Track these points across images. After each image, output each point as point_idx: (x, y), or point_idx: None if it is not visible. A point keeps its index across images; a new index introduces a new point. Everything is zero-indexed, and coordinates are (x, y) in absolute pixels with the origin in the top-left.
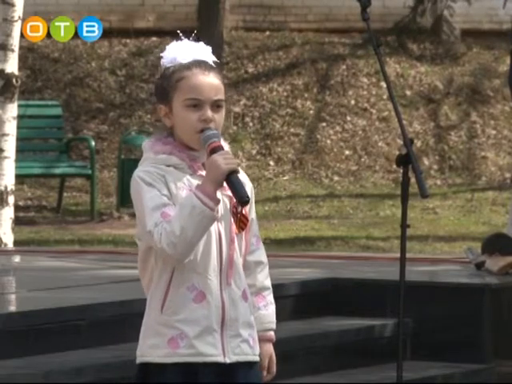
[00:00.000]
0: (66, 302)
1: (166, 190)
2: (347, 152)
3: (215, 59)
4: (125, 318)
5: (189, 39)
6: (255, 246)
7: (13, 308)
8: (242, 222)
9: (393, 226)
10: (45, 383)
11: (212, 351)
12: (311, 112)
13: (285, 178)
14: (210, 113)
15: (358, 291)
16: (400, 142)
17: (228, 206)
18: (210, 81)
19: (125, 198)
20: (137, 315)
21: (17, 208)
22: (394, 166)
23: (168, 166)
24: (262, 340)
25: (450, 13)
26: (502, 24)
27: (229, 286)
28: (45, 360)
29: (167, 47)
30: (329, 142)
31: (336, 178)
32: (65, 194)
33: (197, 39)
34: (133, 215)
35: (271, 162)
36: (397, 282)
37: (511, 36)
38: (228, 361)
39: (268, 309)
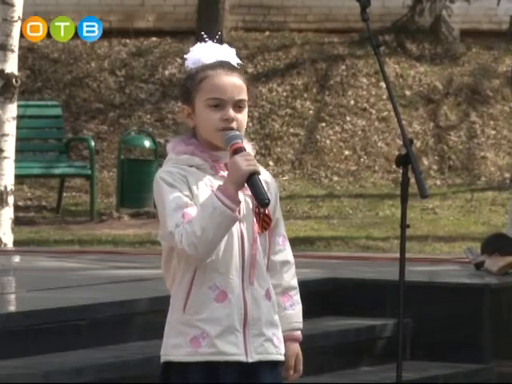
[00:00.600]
0: (66, 302)
1: (187, 191)
2: (347, 152)
3: (239, 61)
4: (125, 318)
5: (213, 41)
6: (281, 246)
7: (12, 308)
8: (264, 222)
9: (392, 226)
10: (45, 383)
11: (234, 350)
12: (311, 112)
13: (284, 178)
14: (232, 112)
15: (357, 291)
16: (399, 142)
17: (250, 206)
18: (233, 81)
19: (124, 198)
20: (137, 315)
21: (16, 208)
22: (394, 166)
23: (190, 166)
24: (289, 339)
25: (448, 13)
26: (501, 24)
27: (251, 286)
28: (45, 360)
29: (191, 49)
30: (328, 142)
31: (335, 178)
32: (64, 194)
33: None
34: (132, 215)
35: (271, 162)
36: (396, 282)
37: (510, 36)
38: (250, 360)
39: (295, 308)
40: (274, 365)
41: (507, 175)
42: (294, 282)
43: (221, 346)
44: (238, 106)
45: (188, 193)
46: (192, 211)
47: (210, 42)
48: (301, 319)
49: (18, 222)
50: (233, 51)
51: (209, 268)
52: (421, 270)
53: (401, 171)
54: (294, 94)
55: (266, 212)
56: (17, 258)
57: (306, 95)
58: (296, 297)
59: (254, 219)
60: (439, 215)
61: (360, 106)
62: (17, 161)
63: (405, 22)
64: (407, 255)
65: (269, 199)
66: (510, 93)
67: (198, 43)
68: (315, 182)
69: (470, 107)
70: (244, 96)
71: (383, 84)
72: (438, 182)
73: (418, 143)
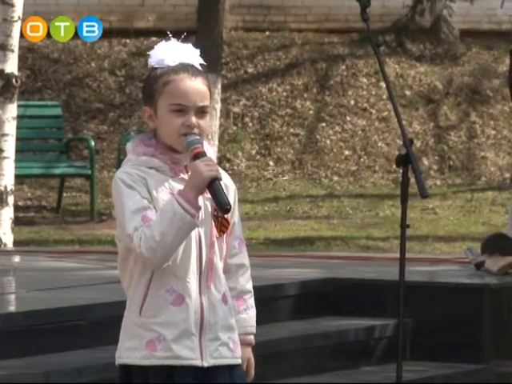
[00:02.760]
0: (66, 302)
1: (146, 193)
2: (347, 152)
3: (203, 62)
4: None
5: (179, 40)
6: (237, 249)
7: (12, 308)
8: (223, 226)
9: (392, 226)
10: (45, 383)
11: (189, 355)
12: (311, 112)
13: (284, 178)
14: (194, 119)
15: (357, 291)
16: (400, 142)
17: (209, 210)
18: (197, 87)
19: None
20: None
21: (16, 208)
22: (394, 166)
23: (150, 168)
24: (242, 344)
25: (448, 13)
26: (501, 24)
27: (208, 290)
28: (45, 360)
29: (155, 46)
30: (328, 142)
31: (335, 178)
32: (64, 194)
33: (190, 41)
34: None
35: (271, 162)
36: (396, 282)
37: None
38: (206, 364)
39: (248, 312)
40: (231, 368)
41: (507, 175)
42: (249, 286)
43: (177, 349)
44: (200, 111)
45: (147, 195)
46: (151, 214)
47: (174, 41)
48: (254, 323)
49: (18, 222)
50: (197, 52)
51: (166, 271)
52: (421, 270)
53: (401, 171)
54: (293, 94)
55: (225, 216)
56: (17, 258)
57: (306, 95)
58: (250, 301)
59: (213, 223)
60: (439, 215)
61: (360, 106)
62: (17, 161)
63: (405, 22)
64: (407, 255)
65: (230, 205)
66: (509, 93)
67: (163, 41)
68: (315, 182)
69: (470, 107)
70: (207, 102)
71: (383, 84)
72: (438, 182)
73: (418, 143)
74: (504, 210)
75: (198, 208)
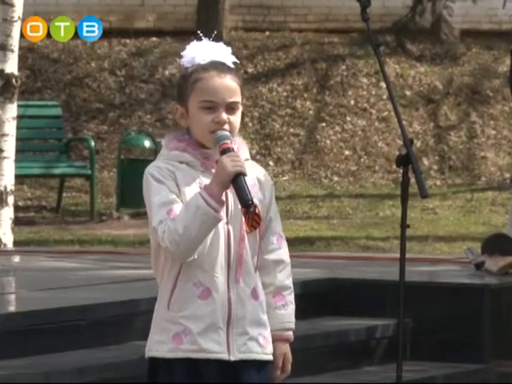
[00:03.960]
0: (66, 302)
1: (175, 187)
2: (347, 152)
3: (235, 59)
4: (125, 318)
5: (209, 39)
6: (276, 245)
7: (12, 308)
8: (254, 221)
9: (392, 226)
10: (45, 383)
11: (216, 348)
12: (311, 112)
13: (284, 179)
14: (224, 115)
15: (357, 291)
16: (400, 142)
17: (239, 205)
18: (226, 83)
19: (124, 199)
20: (137, 315)
21: (16, 208)
22: (394, 167)
23: (180, 162)
24: (279, 339)
25: (449, 13)
26: (501, 24)
27: (237, 284)
28: (45, 360)
29: (187, 47)
30: (328, 142)
31: (336, 178)
32: (64, 195)
33: (217, 39)
34: (132, 215)
35: (271, 163)
36: (397, 282)
37: None
38: (232, 358)
39: (287, 308)
40: (260, 364)
41: (507, 175)
42: (289, 282)
43: (203, 343)
44: (230, 107)
45: (175, 189)
46: (178, 208)
47: (205, 41)
48: (293, 319)
49: (18, 221)
50: (228, 50)
51: (193, 265)
52: (421, 270)
53: (401, 171)
54: (294, 94)
55: (257, 211)
56: (17, 258)
57: (306, 95)
58: (289, 297)
59: (243, 218)
60: (439, 215)
61: (360, 106)
62: (17, 161)
63: (405, 22)
64: (407, 255)
65: (252, 201)
66: (510, 93)
67: (195, 41)
68: (315, 182)
69: (470, 107)
70: (237, 98)
71: (383, 84)
72: (438, 182)
73: (418, 143)
74: (504, 210)
75: (222, 203)
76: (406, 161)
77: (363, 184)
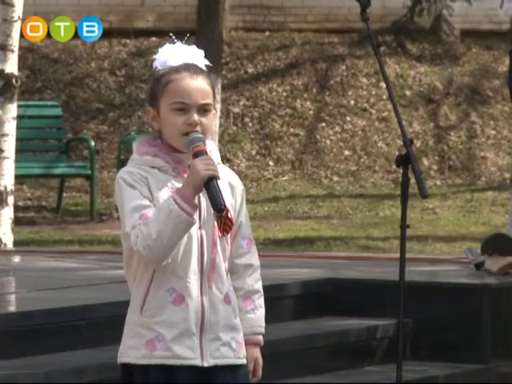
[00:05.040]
0: (65, 302)
1: (147, 192)
2: (347, 152)
3: (207, 63)
4: (125, 318)
5: (182, 42)
6: (246, 249)
7: (13, 308)
8: (226, 226)
9: (392, 226)
10: (45, 383)
11: (189, 354)
12: (311, 112)
13: (284, 179)
14: (196, 117)
15: (357, 291)
16: (400, 142)
17: (211, 210)
18: (198, 84)
19: None
20: None
21: (16, 208)
22: (394, 167)
23: (152, 167)
24: (249, 344)
25: (449, 13)
26: (501, 24)
27: (210, 290)
28: (45, 360)
29: (160, 49)
30: (328, 142)
31: (335, 178)
32: (64, 195)
33: (190, 41)
34: None
35: (271, 163)
36: (397, 282)
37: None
38: (206, 364)
39: (256, 312)
40: (234, 368)
41: (507, 175)
42: (258, 286)
43: (176, 349)
44: (202, 109)
45: (148, 194)
46: (150, 213)
47: (178, 44)
48: (263, 323)
49: (17, 222)
50: (201, 53)
51: (167, 271)
52: (421, 270)
53: (401, 171)
54: (294, 94)
55: (229, 216)
56: (17, 258)
57: (305, 95)
58: (259, 301)
59: (215, 223)
60: (439, 215)
61: (360, 106)
62: (17, 161)
63: (405, 23)
64: (407, 255)
65: (224, 205)
66: (509, 93)
67: (167, 44)
68: (315, 182)
69: (470, 107)
70: (209, 100)
71: (383, 84)
72: (438, 182)
73: (418, 143)
74: (504, 210)
75: (195, 206)
76: (405, 161)
77: (363, 184)
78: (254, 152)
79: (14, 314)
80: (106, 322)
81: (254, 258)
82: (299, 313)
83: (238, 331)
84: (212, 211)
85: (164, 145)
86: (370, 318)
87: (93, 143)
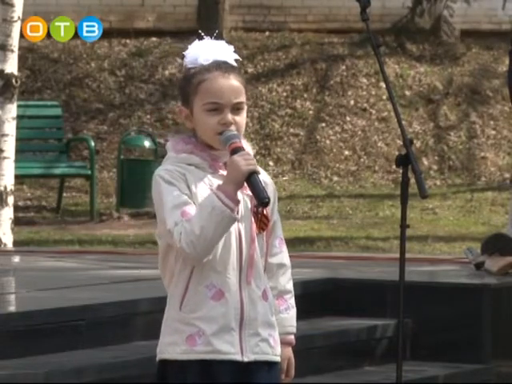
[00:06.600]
0: (65, 302)
1: (186, 189)
2: (347, 152)
3: (237, 57)
4: (125, 318)
5: (211, 38)
6: (278, 249)
7: (13, 308)
8: (262, 223)
9: (392, 226)
10: (45, 383)
11: (229, 349)
12: (311, 112)
13: (284, 179)
14: (229, 116)
15: (357, 291)
16: (399, 142)
17: (249, 206)
18: (230, 83)
19: (124, 199)
20: (137, 315)
21: (16, 208)
22: (394, 167)
23: (189, 164)
24: (282, 343)
25: (449, 13)
26: (501, 24)
27: (248, 285)
28: (45, 360)
29: (189, 46)
30: (328, 142)
31: (335, 178)
32: (64, 195)
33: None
34: (132, 215)
35: (271, 163)
36: (397, 282)
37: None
38: (246, 359)
39: (289, 312)
40: (270, 365)
41: (507, 175)
42: (290, 286)
43: (216, 344)
44: (236, 108)
45: (187, 191)
46: (191, 209)
47: (207, 40)
48: (295, 323)
49: (17, 222)
50: (231, 48)
51: (206, 267)
52: (421, 270)
53: (401, 171)
54: (294, 94)
55: (265, 212)
56: (17, 258)
57: (305, 95)
58: (291, 300)
59: (253, 219)
60: (439, 215)
61: (360, 106)
62: (17, 161)
63: (405, 23)
64: (407, 255)
65: (268, 198)
66: (509, 93)
67: (196, 41)
68: (315, 182)
69: (470, 107)
70: (242, 98)
71: (383, 84)
72: (438, 182)
73: (417, 143)
74: (504, 210)
75: (237, 202)
76: (405, 161)
77: (363, 184)
78: (254, 152)
79: (14, 314)
80: (106, 322)
81: (285, 257)
82: (299, 313)
83: (275, 329)
84: (249, 208)
85: (199, 142)
86: (370, 317)
87: (93, 143)
